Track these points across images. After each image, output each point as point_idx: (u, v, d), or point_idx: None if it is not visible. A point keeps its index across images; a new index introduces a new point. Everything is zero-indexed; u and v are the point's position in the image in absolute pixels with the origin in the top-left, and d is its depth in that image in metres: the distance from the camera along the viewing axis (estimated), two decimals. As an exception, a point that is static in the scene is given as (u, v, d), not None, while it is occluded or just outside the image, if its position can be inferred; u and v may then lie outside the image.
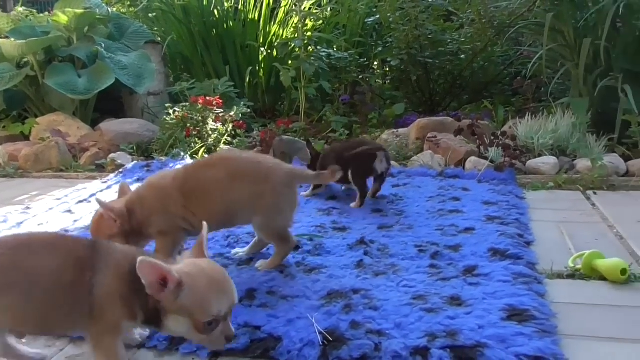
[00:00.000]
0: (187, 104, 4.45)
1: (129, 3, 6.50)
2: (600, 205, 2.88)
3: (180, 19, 5.62)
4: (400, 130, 4.37)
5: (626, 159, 3.48)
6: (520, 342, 1.50)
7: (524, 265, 2.03)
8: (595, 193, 3.12)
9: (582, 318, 1.71)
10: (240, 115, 4.53)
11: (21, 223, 2.79)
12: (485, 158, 3.60)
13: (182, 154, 4.04)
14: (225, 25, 5.62)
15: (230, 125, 4.44)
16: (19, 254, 1.31)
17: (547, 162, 3.49)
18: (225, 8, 5.60)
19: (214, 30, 5.60)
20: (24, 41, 4.59)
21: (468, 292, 1.82)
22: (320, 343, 1.53)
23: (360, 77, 5.48)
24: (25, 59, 4.90)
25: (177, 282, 1.27)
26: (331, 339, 1.54)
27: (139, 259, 1.24)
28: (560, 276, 2.02)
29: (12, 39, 4.72)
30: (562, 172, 3.42)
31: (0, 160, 4.18)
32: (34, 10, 5.80)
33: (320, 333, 1.55)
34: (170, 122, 4.39)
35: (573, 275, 2.02)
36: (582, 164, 3.41)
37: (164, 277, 1.26)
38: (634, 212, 2.74)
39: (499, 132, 3.79)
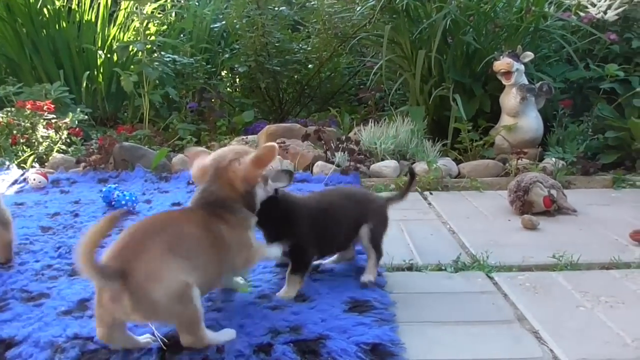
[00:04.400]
0: (13, 109, 4.01)
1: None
2: (435, 204, 3.08)
3: (2, 17, 5.08)
4: (250, 136, 4.34)
5: (458, 162, 3.79)
6: (361, 332, 1.53)
7: (365, 261, 2.08)
8: (431, 193, 3.33)
9: (417, 305, 1.80)
10: (76, 122, 4.19)
11: None
12: (332, 162, 3.69)
13: (8, 163, 3.63)
14: (57, 26, 5.18)
15: (65, 133, 4.09)
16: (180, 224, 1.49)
17: (388, 165, 3.67)
18: (57, 7, 5.17)
19: (44, 31, 5.14)
20: None
21: (313, 288, 1.83)
22: (159, 348, 1.44)
23: (208, 83, 5.38)
24: None
25: None
26: (170, 344, 1.45)
27: None
28: (399, 269, 2.12)
29: None
30: (402, 175, 3.62)
31: None
32: None
33: (160, 339, 1.45)
34: (0, 130, 3.93)
35: (411, 267, 2.13)
36: (420, 166, 3.63)
37: None
38: (464, 209, 2.98)
39: (344, 138, 3.92)
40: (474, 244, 2.37)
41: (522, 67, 3.88)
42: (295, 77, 5.55)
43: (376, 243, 1.96)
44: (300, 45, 5.58)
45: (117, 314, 1.34)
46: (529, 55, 3.86)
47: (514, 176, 3.30)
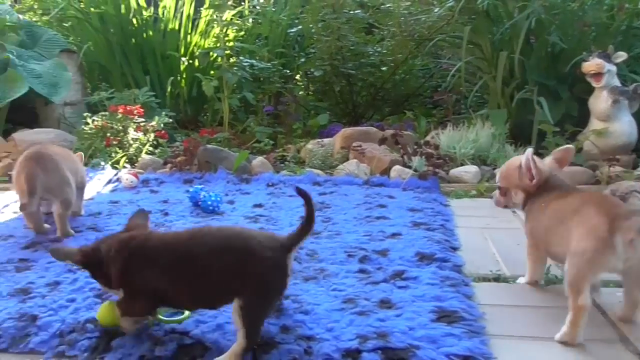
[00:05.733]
0: (107, 113, 4.24)
1: (41, 12, 6.16)
2: (520, 212, 2.97)
3: (96, 27, 5.39)
4: (325, 140, 4.37)
5: (542, 168, 3.64)
6: (450, 343, 1.51)
7: (450, 269, 2.07)
8: (514, 200, 3.22)
9: (507, 319, 1.74)
10: (162, 125, 4.38)
11: None
12: (409, 167, 3.66)
13: (103, 163, 3.84)
14: (144, 34, 5.44)
15: (152, 135, 4.28)
16: None
17: (468, 170, 3.59)
18: (144, 17, 5.43)
19: (133, 40, 5.40)
20: None
21: (397, 295, 1.82)
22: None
23: (284, 87, 5.47)
24: None
25: None
26: (261, 343, 1.49)
27: None
28: (486, 279, 2.06)
29: None
30: (484, 180, 3.53)
31: None
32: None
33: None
34: (89, 131, 4.17)
35: (498, 278, 2.07)
36: (502, 172, 3.53)
37: None
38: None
39: (422, 142, 3.87)
40: (565, 256, 2.28)
41: (614, 68, 3.70)
42: (369, 79, 5.54)
43: (250, 324, 1.42)
44: (375, 48, 5.57)
45: None
46: (621, 56, 3.67)
47: (605, 184, 3.14)
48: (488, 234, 2.59)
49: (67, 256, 1.62)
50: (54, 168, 2.50)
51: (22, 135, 4.36)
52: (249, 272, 1.42)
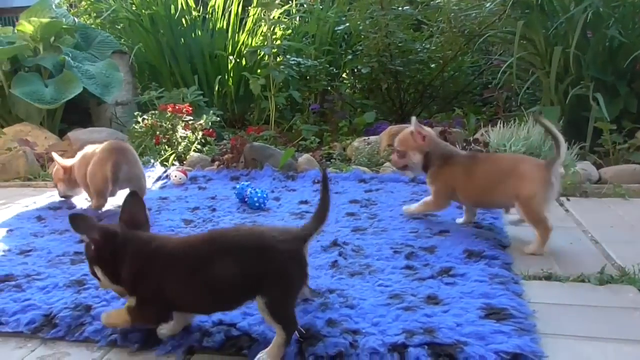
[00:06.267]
0: (156, 112, 4.35)
1: (95, 14, 6.37)
2: (574, 211, 2.88)
3: (147, 28, 5.53)
4: (371, 137, 4.34)
5: (598, 166, 3.51)
6: (500, 340, 1.47)
7: (499, 266, 2.01)
8: (568, 199, 3.12)
9: (559, 317, 1.68)
10: (210, 123, 4.45)
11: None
12: (458, 164, 3.59)
13: (152, 161, 3.94)
14: (193, 34, 5.55)
15: (200, 133, 4.36)
16: None
17: (519, 168, 3.49)
18: (193, 17, 5.53)
19: (182, 40, 5.53)
20: (-12, 50, 4.45)
21: (445, 291, 1.79)
22: (297, 339, 1.48)
23: (330, 85, 5.46)
24: (-9, 70, 4.75)
25: None
26: (307, 336, 1.49)
27: None
28: (536, 277, 2.00)
29: (-23, 49, 4.58)
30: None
31: (-33, 169, 4.05)
32: (-4, 25, 5.67)
33: (297, 330, 1.49)
34: (140, 130, 4.28)
35: (549, 276, 2.00)
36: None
37: None
38: (607, 218, 2.75)
39: (471, 139, 3.79)
40: (621, 256, 2.18)
41: (676, 62, 3.53)
42: (417, 77, 5.47)
43: (281, 318, 1.41)
44: (423, 44, 5.50)
45: None
46: (683, 49, 3.50)
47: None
48: (540, 232, 2.50)
49: (86, 229, 1.51)
50: (135, 160, 2.81)
51: (77, 134, 4.53)
52: (267, 268, 1.40)
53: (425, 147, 2.46)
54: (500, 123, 3.96)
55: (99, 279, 1.57)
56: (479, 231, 2.42)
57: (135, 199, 1.61)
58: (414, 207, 2.61)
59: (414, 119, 2.51)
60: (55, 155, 3.06)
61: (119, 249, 1.51)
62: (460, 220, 2.57)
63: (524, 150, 3.69)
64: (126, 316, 1.54)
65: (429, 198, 2.55)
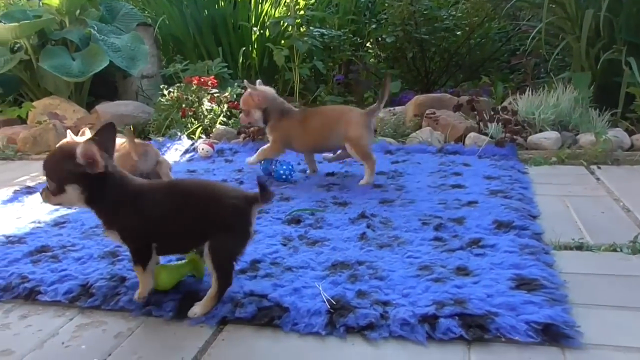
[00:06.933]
0: (182, 84, 4.36)
1: (118, -14, 6.36)
2: (605, 179, 2.83)
3: (171, 0, 5.51)
4: (397, 107, 4.30)
5: (630, 133, 3.43)
6: (531, 310, 1.47)
7: (529, 237, 2.00)
8: (599, 167, 3.07)
9: (591, 287, 1.67)
10: (235, 95, 4.45)
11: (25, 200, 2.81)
12: (485, 134, 3.55)
13: (179, 134, 3.97)
14: (216, 5, 5.51)
15: (226, 106, 4.36)
16: None
17: (549, 137, 3.44)
18: (217, -13, 5.49)
19: (206, 11, 5.49)
20: (16, 24, 4.49)
21: (474, 262, 1.79)
22: (327, 310, 1.50)
23: (354, 55, 5.39)
24: (19, 43, 4.81)
25: None
26: (337, 307, 1.50)
27: None
28: (567, 247, 1.98)
29: (4, 23, 4.62)
30: (565, 147, 3.37)
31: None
32: (23, -2, 5.70)
33: (327, 300, 1.51)
34: (166, 103, 4.31)
35: (580, 246, 1.98)
36: (585, 138, 3.36)
37: None
38: (639, 186, 2.70)
39: (499, 108, 3.73)
40: (655, 224, 2.15)
41: None
42: (443, 45, 5.37)
43: (220, 264, 1.55)
44: (449, 11, 5.38)
45: None
46: None
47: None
48: (570, 201, 2.48)
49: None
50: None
51: (104, 108, 4.58)
52: (214, 217, 1.56)
53: (262, 105, 2.88)
54: (529, 90, 3.89)
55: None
56: (507, 201, 2.40)
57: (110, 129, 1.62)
58: (253, 157, 2.97)
59: (246, 81, 2.95)
60: (69, 132, 3.11)
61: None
62: (307, 172, 3.04)
63: (553, 118, 3.63)
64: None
65: (266, 146, 2.95)
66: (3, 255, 1.99)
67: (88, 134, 3.07)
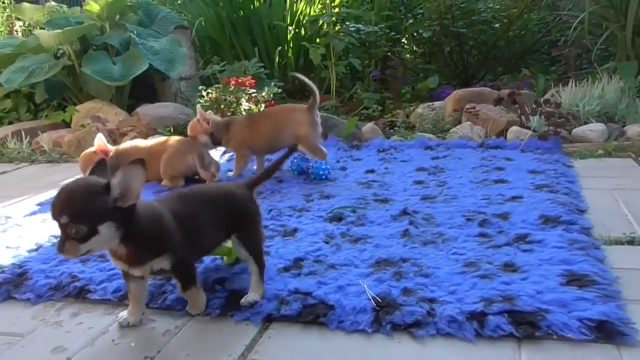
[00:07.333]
0: (220, 85, 4.41)
1: (156, -10, 6.48)
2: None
3: (207, 2, 5.58)
4: (436, 103, 4.25)
5: (679, 122, 3.31)
6: (583, 307, 1.43)
7: (578, 232, 1.95)
8: (645, 159, 2.97)
9: (646, 283, 1.61)
10: (272, 95, 4.47)
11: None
12: (528, 127, 3.47)
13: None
14: (252, 6, 5.55)
15: (263, 106, 4.39)
16: None
17: (594, 129, 3.34)
18: (252, -12, 5.53)
19: (241, 12, 5.54)
20: (60, 31, 4.62)
21: (522, 258, 1.75)
22: (373, 308, 1.49)
23: (391, 51, 5.35)
24: (62, 50, 4.95)
25: None
26: (383, 304, 1.50)
27: None
28: (618, 242, 1.92)
29: (48, 30, 4.76)
30: (612, 139, 3.27)
31: (46, 146, 4.27)
32: (64, 6, 5.85)
33: (373, 298, 1.50)
34: (205, 104, 4.36)
35: (632, 241, 1.92)
36: (633, 130, 3.25)
37: None
38: (691, 177, 2.60)
39: (542, 100, 3.65)
40: None
41: None
42: (481, 38, 5.27)
43: (254, 249, 1.66)
44: (487, 3, 5.28)
45: None
46: None
47: None
48: (619, 195, 2.40)
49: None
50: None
51: (144, 110, 4.66)
52: (236, 210, 1.67)
53: (210, 129, 3.01)
54: (572, 82, 3.79)
55: None
56: (553, 196, 2.34)
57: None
58: (233, 172, 3.09)
59: (198, 107, 3.15)
60: (100, 135, 3.20)
61: None
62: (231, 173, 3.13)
63: (598, 109, 3.52)
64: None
65: (236, 159, 3.10)
66: (53, 255, 2.04)
67: (100, 140, 3.13)
